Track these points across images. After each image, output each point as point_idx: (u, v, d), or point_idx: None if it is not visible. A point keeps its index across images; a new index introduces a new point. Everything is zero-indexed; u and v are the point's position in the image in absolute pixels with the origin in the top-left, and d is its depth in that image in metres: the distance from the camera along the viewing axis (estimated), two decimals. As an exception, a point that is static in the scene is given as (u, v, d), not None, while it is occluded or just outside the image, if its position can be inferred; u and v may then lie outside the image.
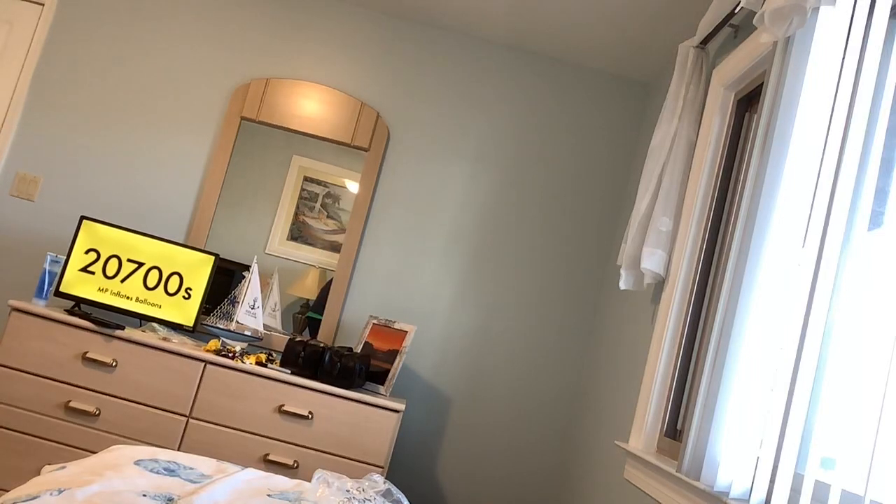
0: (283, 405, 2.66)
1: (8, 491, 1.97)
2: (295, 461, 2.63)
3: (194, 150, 3.25)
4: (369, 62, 3.35)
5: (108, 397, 2.63)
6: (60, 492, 1.41)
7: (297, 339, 2.83)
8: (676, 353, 2.29)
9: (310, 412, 2.65)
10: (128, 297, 2.90)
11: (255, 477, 1.86)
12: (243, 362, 2.69)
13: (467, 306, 3.26)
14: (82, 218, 2.90)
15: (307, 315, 3.20)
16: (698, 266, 2.30)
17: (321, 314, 3.19)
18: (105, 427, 2.61)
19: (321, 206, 3.26)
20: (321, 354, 2.73)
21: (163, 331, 2.86)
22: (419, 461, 3.20)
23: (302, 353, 2.74)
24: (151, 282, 2.93)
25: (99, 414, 2.61)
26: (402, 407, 2.67)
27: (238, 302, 2.92)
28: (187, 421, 2.64)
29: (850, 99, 1.52)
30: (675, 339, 2.31)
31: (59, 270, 2.88)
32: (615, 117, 3.39)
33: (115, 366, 2.64)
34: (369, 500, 1.67)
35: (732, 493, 1.56)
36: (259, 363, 2.72)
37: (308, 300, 3.23)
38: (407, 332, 2.91)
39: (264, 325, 3.00)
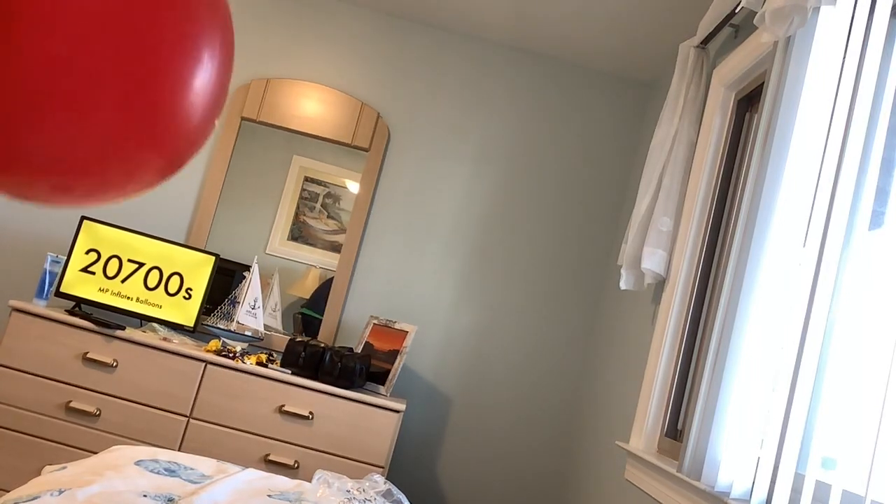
0: (283, 405, 2.65)
1: (8, 491, 1.97)
2: (295, 461, 2.63)
3: (195, 150, 3.24)
4: (370, 62, 3.35)
5: (108, 397, 2.63)
6: (61, 492, 1.41)
7: (298, 339, 2.83)
8: (677, 353, 2.29)
9: (310, 412, 2.65)
10: (128, 298, 2.90)
11: (256, 477, 1.86)
12: (244, 362, 2.69)
13: (468, 306, 3.26)
14: (82, 218, 2.90)
15: (301, 312, 3.20)
16: (699, 266, 2.30)
17: (315, 311, 3.19)
18: (105, 427, 2.61)
19: (321, 206, 3.26)
20: (322, 355, 2.73)
21: (163, 331, 2.86)
22: (420, 461, 3.20)
23: (302, 354, 2.74)
24: (152, 282, 2.93)
25: (99, 414, 2.61)
26: (402, 407, 2.67)
27: (238, 302, 2.92)
28: (188, 421, 2.64)
29: (851, 99, 1.52)
30: (676, 339, 2.31)
31: (59, 271, 2.88)
32: (616, 117, 3.39)
33: (116, 366, 2.64)
34: (370, 500, 1.67)
35: (733, 493, 1.56)
36: (259, 363, 2.72)
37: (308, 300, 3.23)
38: (407, 332, 2.90)
39: (265, 325, 3.00)
